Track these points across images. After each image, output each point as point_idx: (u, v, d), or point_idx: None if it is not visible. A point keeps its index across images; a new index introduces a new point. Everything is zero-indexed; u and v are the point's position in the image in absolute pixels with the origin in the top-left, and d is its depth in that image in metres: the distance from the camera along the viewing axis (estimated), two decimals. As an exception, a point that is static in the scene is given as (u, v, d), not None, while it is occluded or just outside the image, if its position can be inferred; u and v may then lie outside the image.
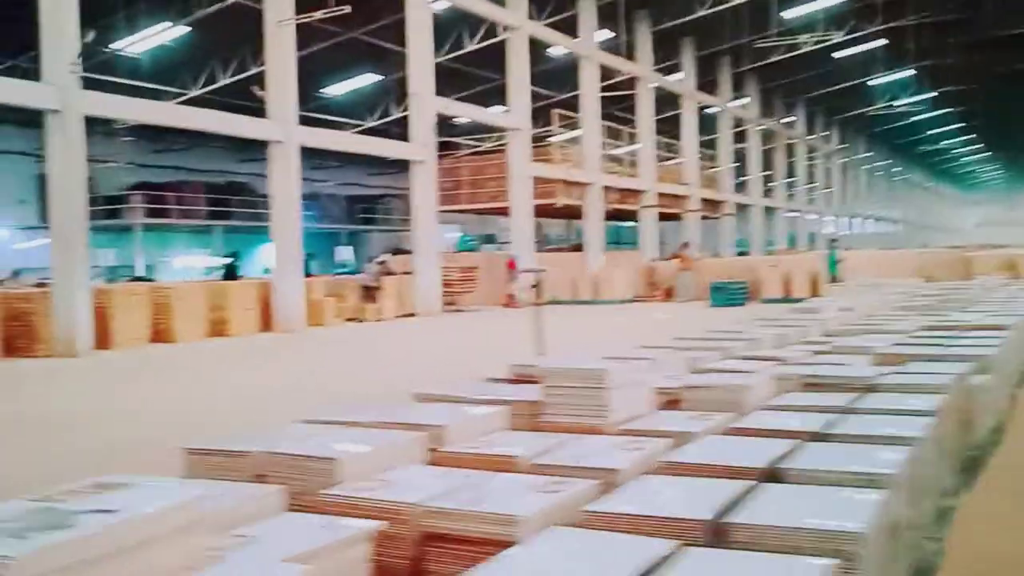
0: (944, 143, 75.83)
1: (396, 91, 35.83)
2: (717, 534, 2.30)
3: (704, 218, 38.24)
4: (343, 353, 14.84)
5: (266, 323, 18.68)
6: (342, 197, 42.32)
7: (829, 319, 8.00)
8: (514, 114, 25.52)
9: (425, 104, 21.89)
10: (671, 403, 4.23)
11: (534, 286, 6.82)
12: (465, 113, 24.33)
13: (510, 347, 14.13)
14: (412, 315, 21.99)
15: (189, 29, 27.60)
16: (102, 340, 15.14)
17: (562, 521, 2.53)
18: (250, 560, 2.13)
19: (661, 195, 33.51)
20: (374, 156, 33.45)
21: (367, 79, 34.28)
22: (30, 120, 31.16)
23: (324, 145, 20.30)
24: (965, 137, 73.88)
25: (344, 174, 42.40)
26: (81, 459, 6.21)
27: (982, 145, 78.43)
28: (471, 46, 30.14)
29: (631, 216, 35.33)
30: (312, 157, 40.60)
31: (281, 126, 18.14)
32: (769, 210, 48.35)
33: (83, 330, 14.54)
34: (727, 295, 22.56)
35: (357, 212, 42.79)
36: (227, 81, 30.20)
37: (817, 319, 7.91)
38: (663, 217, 35.51)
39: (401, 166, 44.62)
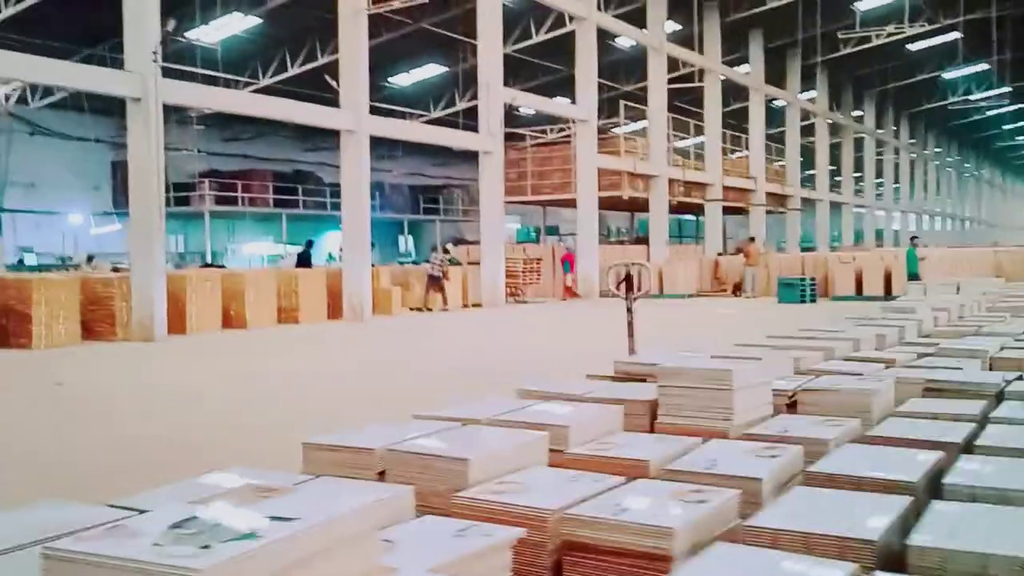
0: (1018, 139, 73.65)
1: (461, 82, 35.93)
2: (893, 557, 2.17)
3: (769, 212, 37.60)
4: (421, 343, 14.84)
5: (334, 311, 18.82)
6: (405, 187, 42.49)
7: (924, 319, 7.71)
8: (581, 105, 25.32)
9: (494, 94, 21.80)
10: (787, 406, 4.07)
11: (622, 281, 6.64)
12: (534, 104, 24.20)
13: (587, 340, 14.04)
14: (477, 306, 22.00)
15: (260, 21, 27.98)
16: (176, 325, 15.36)
17: (714, 534, 2.42)
18: (399, 568, 2.05)
19: (726, 188, 33.04)
20: (436, 146, 33.63)
21: (432, 70, 34.37)
22: (106, 108, 32.00)
23: (394, 135, 20.37)
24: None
25: (407, 164, 42.59)
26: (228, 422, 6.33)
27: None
28: (537, 37, 30.02)
29: (695, 209, 34.95)
30: (376, 147, 40.90)
31: (353, 115, 18.21)
32: (835, 205, 47.38)
33: (159, 315, 14.75)
34: (796, 291, 22.12)
35: (419, 202, 42.94)
36: (296, 71, 30.52)
37: (911, 319, 7.63)
38: (728, 211, 35.04)
39: (463, 157, 44.98)
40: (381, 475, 3.04)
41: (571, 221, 39.79)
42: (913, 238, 22.69)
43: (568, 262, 26.01)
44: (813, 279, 22.69)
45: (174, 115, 25.05)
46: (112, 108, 32.34)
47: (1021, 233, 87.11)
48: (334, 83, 18.92)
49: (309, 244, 24.05)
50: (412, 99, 35.87)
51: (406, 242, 42.22)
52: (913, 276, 19.50)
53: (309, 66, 30.33)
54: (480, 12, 22.15)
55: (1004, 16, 38.05)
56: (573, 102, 26.71)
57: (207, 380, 10.43)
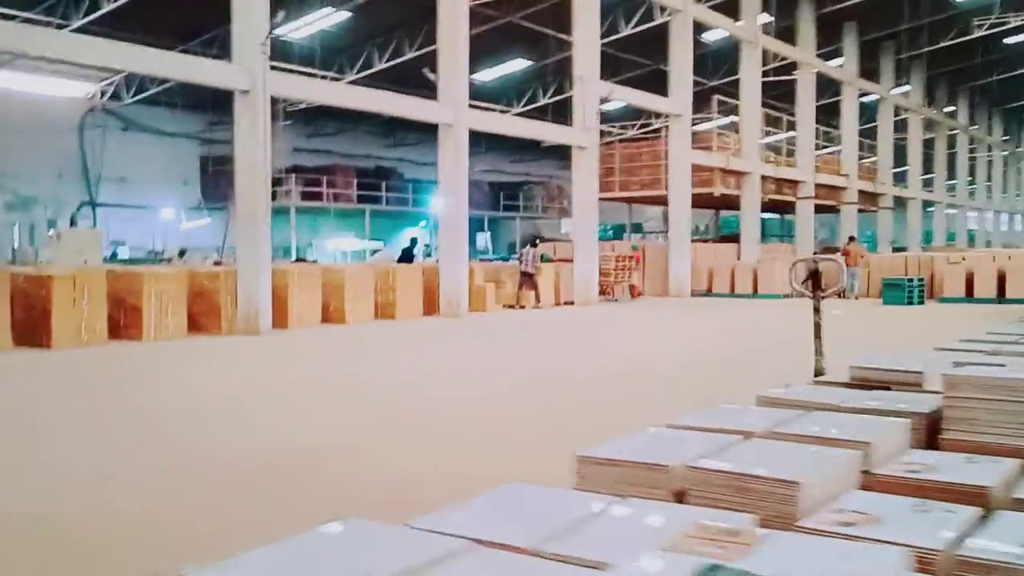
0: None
1: (545, 77, 35.56)
2: None
3: (860, 211, 36.45)
4: (542, 341, 14.51)
5: (429, 307, 18.60)
6: (484, 183, 42.25)
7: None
8: (675, 99, 24.73)
9: (590, 88, 21.38)
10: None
11: (807, 279, 6.18)
12: (630, 98, 23.68)
13: (722, 339, 13.56)
14: (569, 304, 21.60)
15: (350, 15, 27.93)
16: (278, 320, 15.26)
17: None
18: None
19: (817, 186, 32.08)
20: (515, 143, 33.28)
21: (517, 64, 33.98)
22: (195, 104, 32.39)
23: (492, 129, 20.08)
24: None
25: (486, 160, 42.38)
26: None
27: None
28: (624, 31, 29.44)
29: (784, 207, 34.02)
30: (456, 143, 40.91)
31: (451, 109, 17.96)
32: (926, 204, 45.85)
33: (265, 309, 14.67)
34: (902, 292, 21.25)
35: (499, 198, 42.71)
36: (382, 66, 30.43)
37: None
38: (817, 209, 34.02)
39: (542, 153, 44.59)
40: (679, 496, 2.66)
41: (653, 219, 39.21)
42: None
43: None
44: (921, 280, 21.77)
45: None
46: (201, 104, 32.82)
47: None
48: (431, 76, 18.69)
49: (413, 242, 23.94)
50: (495, 94, 35.56)
51: (486, 240, 41.99)
52: None
53: (395, 61, 30.24)
54: (576, 4, 21.74)
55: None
56: (663, 97, 26.08)
57: (342, 373, 10.22)
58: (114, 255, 28.85)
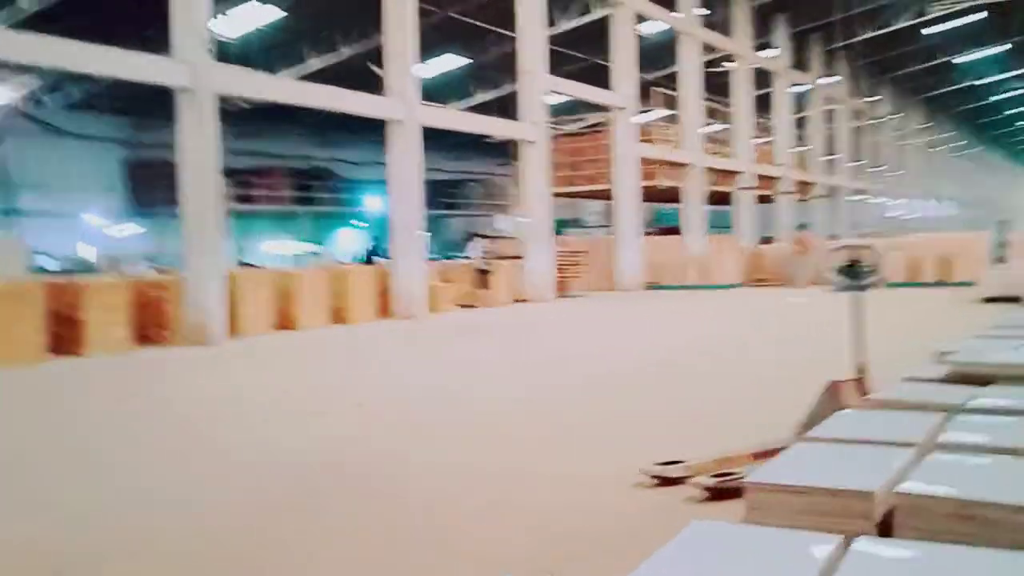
0: (1024, 122, 73.29)
1: (480, 73, 35.13)
2: None
3: (797, 200, 36.92)
4: (530, 342, 14.08)
5: (384, 310, 18.04)
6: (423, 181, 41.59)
7: None
8: (619, 93, 24.54)
9: (536, 82, 21.03)
10: None
11: (847, 267, 5.93)
12: (575, 92, 23.39)
13: (726, 336, 13.30)
14: (523, 301, 21.23)
15: (284, 13, 27.10)
16: (229, 328, 14.53)
17: None
18: None
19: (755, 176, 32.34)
20: (451, 140, 32.73)
21: (453, 61, 33.44)
22: (121, 107, 31.08)
23: (444, 125, 19.54)
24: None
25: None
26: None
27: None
28: (561, 27, 29.17)
29: (723, 198, 34.17)
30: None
31: (402, 105, 17.42)
32: (854, 192, 46.76)
33: (218, 318, 13.96)
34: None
35: (434, 196, 42.04)
36: (319, 65, 29.63)
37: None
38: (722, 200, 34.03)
39: (478, 150, 44.12)
40: (884, 529, 2.28)
41: (595, 213, 39.13)
42: (1003, 222, 22.00)
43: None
44: (872, 267, 21.94)
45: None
46: (126, 107, 31.50)
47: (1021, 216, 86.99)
48: (378, 71, 18.13)
49: (376, 242, 23.22)
50: (430, 92, 34.88)
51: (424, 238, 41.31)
52: (999, 259, 18.82)
53: (332, 60, 29.52)
54: (520, -2, 21.34)
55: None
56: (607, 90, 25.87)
57: (323, 385, 9.65)
58: (42, 267, 27.43)
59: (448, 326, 16.38)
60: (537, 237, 21.39)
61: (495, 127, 21.47)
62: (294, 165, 36.77)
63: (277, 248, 35.65)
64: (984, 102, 59.44)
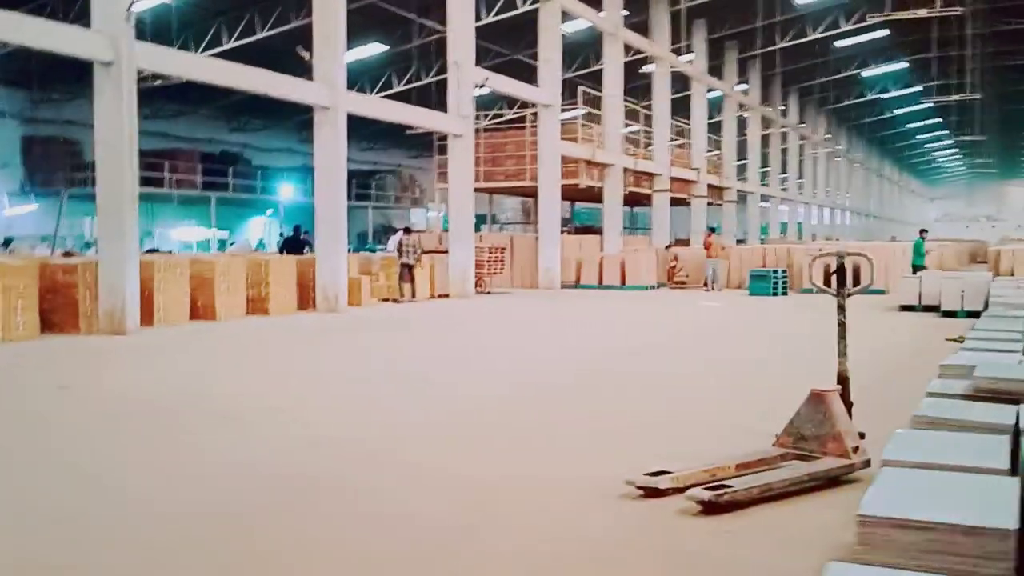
0: (918, 138, 76.46)
1: (400, 63, 34.57)
2: None
3: (708, 204, 37.52)
4: (471, 337, 13.72)
5: (304, 302, 17.49)
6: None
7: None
8: (545, 89, 24.40)
9: (465, 74, 20.69)
10: None
11: (833, 274, 5.88)
12: (503, 87, 23.11)
13: (611, 334, 13.20)
14: (445, 296, 20.91)
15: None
16: (143, 317, 13.79)
17: None
18: None
19: (671, 179, 32.69)
20: (365, 130, 32.12)
21: (373, 48, 32.79)
22: (16, 79, 29.41)
23: (370, 113, 19.00)
24: (939, 132, 74.45)
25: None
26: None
27: (952, 141, 79.24)
28: (488, 18, 28.92)
29: (638, 200, 34.47)
30: (303, 128, 39.14)
31: (329, 90, 16.87)
32: (762, 198, 47.88)
33: (132, 306, 13.24)
34: (768, 284, 21.83)
35: (350, 188, 41.30)
36: (231, 44, 28.60)
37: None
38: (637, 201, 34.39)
39: (393, 141, 43.52)
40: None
41: (511, 210, 39.00)
42: (922, 231, 22.67)
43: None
44: (785, 271, 22.44)
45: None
46: (22, 80, 29.85)
47: (914, 228, 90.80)
48: (305, 55, 17.55)
49: (297, 229, 22.45)
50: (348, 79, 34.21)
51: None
52: (919, 267, 19.39)
53: (246, 40, 28.53)
54: (450, -14, 20.97)
55: (927, 19, 38.84)
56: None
57: (264, 379, 9.16)
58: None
59: (373, 320, 15.94)
60: (461, 232, 21.09)
61: (422, 118, 21.06)
62: (203, 149, 35.51)
63: (185, 234, 34.39)
64: (883, 116, 61.76)
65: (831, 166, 62.81)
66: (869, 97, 54.42)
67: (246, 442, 6.28)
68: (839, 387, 5.42)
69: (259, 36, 28.70)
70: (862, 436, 5.20)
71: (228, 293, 15.92)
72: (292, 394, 8.33)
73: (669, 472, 4.84)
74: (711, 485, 4.58)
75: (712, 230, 27.02)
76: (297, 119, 38.57)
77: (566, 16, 26.03)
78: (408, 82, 35.20)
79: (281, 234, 31.18)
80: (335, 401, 8.01)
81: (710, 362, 10.49)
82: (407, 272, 19.54)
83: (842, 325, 5.79)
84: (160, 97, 32.61)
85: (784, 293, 21.93)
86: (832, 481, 4.93)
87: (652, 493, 4.75)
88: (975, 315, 15.21)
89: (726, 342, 12.88)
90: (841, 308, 5.83)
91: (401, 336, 13.69)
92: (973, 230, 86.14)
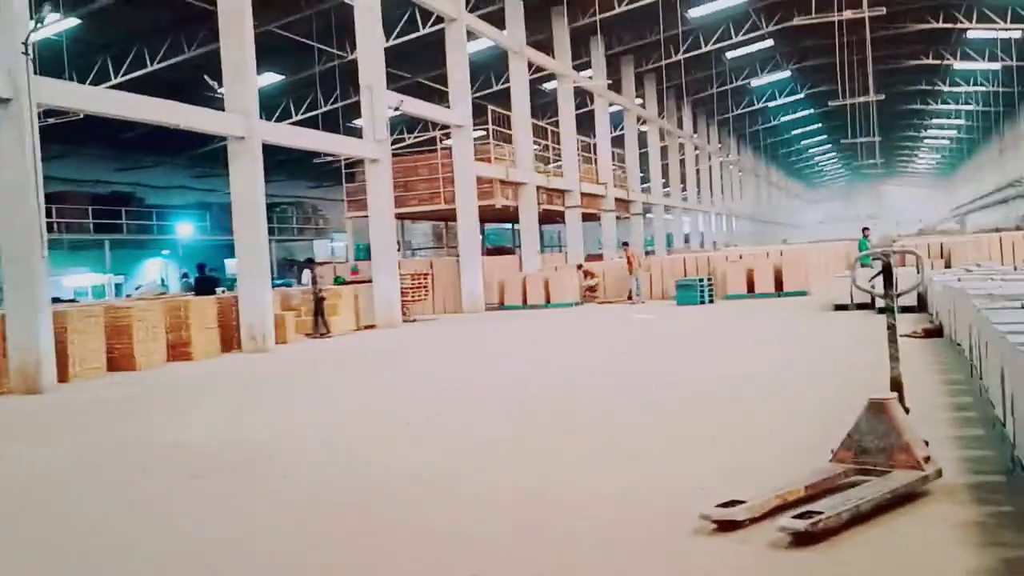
0: (802, 143, 79.26)
1: (296, 91, 33.68)
2: None
3: (616, 218, 37.72)
4: (390, 370, 13.02)
5: (227, 343, 16.53)
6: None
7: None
8: (456, 110, 23.99)
9: (379, 98, 20.09)
10: None
11: (878, 275, 5.59)
12: (417, 109, 22.57)
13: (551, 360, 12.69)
14: (372, 327, 20.16)
15: (79, 21, 24.78)
16: (57, 371, 12.71)
17: None
18: None
19: (581, 195, 32.67)
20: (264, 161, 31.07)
21: (268, 78, 31.80)
22: None
23: (286, 142, 18.19)
24: (821, 137, 77.36)
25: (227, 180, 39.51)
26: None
27: (830, 145, 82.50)
28: (390, 42, 28.37)
29: (551, 217, 34.36)
30: (202, 163, 37.68)
31: (243, 120, 16.06)
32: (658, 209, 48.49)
33: (47, 361, 12.18)
34: (695, 293, 21.85)
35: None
36: (120, 80, 27.27)
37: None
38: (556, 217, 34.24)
39: (290, 172, 42.32)
40: None
41: (425, 234, 38.38)
42: (864, 229, 23.08)
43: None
44: (710, 279, 22.51)
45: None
46: None
47: (799, 231, 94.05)
48: (214, 84, 16.71)
49: (203, 268, 21.29)
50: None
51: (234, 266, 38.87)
52: (864, 265, 19.53)
53: (136, 73, 27.30)
54: (358, 9, 20.39)
55: (808, 28, 40.18)
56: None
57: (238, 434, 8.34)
58: None
59: (308, 359, 15.13)
60: (384, 260, 20.41)
61: (338, 145, 20.35)
62: (92, 190, 33.73)
63: (78, 281, 32.54)
64: (770, 124, 63.75)
65: (725, 175, 64.34)
66: (757, 106, 56.03)
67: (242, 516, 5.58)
68: (895, 394, 5.10)
69: (151, 69, 27.47)
70: (926, 444, 4.90)
71: (148, 340, 14.90)
72: (264, 453, 7.60)
73: (741, 502, 4.41)
74: (799, 513, 4.17)
75: (625, 244, 26.94)
76: (189, 155, 37.13)
77: (471, 35, 25.72)
78: (307, 110, 34.32)
79: (185, 274, 29.84)
80: (325, 454, 7.33)
81: (704, 377, 10.06)
82: (321, 306, 18.71)
83: (892, 328, 5.47)
84: (43, 138, 30.85)
85: (711, 301, 21.98)
86: (907, 495, 4.60)
87: (727, 526, 4.32)
88: (910, 310, 15.54)
89: (700, 354, 12.47)
90: (891, 311, 5.47)
91: (351, 375, 12.97)
92: (853, 229, 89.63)
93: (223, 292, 20.07)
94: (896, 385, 5.26)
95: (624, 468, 5.86)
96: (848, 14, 30.16)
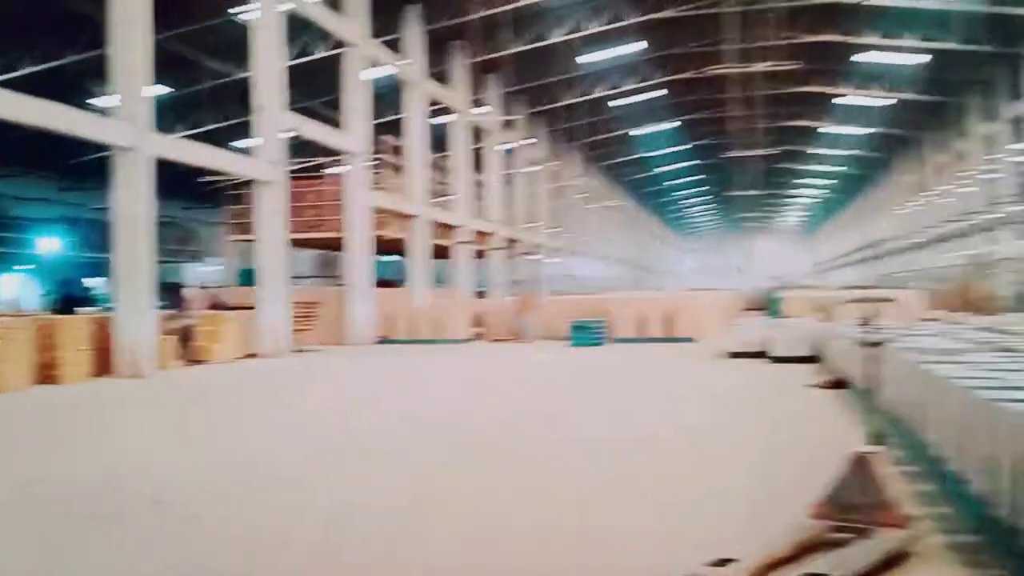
0: (682, 192, 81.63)
1: (182, 107, 32.28)
2: None
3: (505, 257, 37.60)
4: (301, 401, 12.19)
5: (102, 366, 15.32)
6: (99, 222, 37.23)
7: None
8: (352, 136, 23.37)
9: (274, 119, 19.34)
10: None
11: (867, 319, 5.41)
12: (313, 133, 21.82)
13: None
14: (254, 355, 19.17)
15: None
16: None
17: None
18: None
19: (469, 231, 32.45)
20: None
21: (155, 90, 30.28)
22: None
23: (177, 156, 17.05)
24: (699, 188, 79.91)
25: (96, 196, 37.33)
26: None
27: (709, 196, 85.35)
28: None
29: (439, 252, 33.94)
30: (64, 177, 35.54)
31: (131, 129, 15.06)
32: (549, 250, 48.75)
33: None
34: (589, 335, 21.78)
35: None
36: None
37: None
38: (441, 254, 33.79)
39: (164, 191, 40.41)
40: None
41: (306, 262, 37.25)
42: (774, 279, 23.42)
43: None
44: (604, 322, 22.47)
45: None
46: None
47: (673, 278, 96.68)
48: (102, 91, 15.65)
49: (66, 284, 19.73)
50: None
51: (97, 285, 36.55)
52: (775, 313, 19.82)
53: (8, 75, 25.49)
54: (256, 27, 19.64)
55: (699, 81, 41.51)
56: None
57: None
58: None
59: (179, 387, 14.13)
60: (271, 287, 19.51)
61: (229, 162, 19.39)
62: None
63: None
64: (651, 172, 65.36)
65: (608, 220, 65.42)
66: (642, 154, 57.36)
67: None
68: (880, 448, 4.88)
69: (19, 73, 25.72)
70: (903, 501, 4.69)
71: (11, 361, 13.63)
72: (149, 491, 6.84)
73: (732, 560, 4.08)
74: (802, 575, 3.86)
75: (518, 284, 26.68)
76: (57, 166, 34.99)
77: (371, 63, 25.21)
78: (194, 127, 32.91)
79: (49, 292, 27.89)
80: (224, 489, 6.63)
81: (653, 423, 9.70)
82: (188, 332, 17.65)
83: (871, 389, 5.25)
84: None
85: (601, 343, 21.94)
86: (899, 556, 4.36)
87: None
88: (805, 360, 15.78)
89: (629, 401, 11.81)
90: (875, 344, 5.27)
91: (240, 409, 12.13)
92: (725, 280, 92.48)
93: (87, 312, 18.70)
94: (878, 437, 5.06)
95: (595, 529, 5.45)
96: (760, 66, 31.11)
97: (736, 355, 17.17)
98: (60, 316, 16.72)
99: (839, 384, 11.97)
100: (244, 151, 25.32)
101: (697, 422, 9.56)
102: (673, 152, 60.08)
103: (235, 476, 7.08)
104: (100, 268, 37.13)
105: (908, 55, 34.82)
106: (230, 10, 24.22)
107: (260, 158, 19.18)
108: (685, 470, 6.92)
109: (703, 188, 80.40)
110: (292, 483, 6.80)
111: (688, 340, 22.14)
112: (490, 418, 10.15)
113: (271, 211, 19.47)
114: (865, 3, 30.10)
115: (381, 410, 11.16)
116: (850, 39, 33.99)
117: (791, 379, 13.07)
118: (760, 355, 16.84)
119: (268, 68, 19.47)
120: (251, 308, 20.09)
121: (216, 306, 19.19)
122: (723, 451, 7.68)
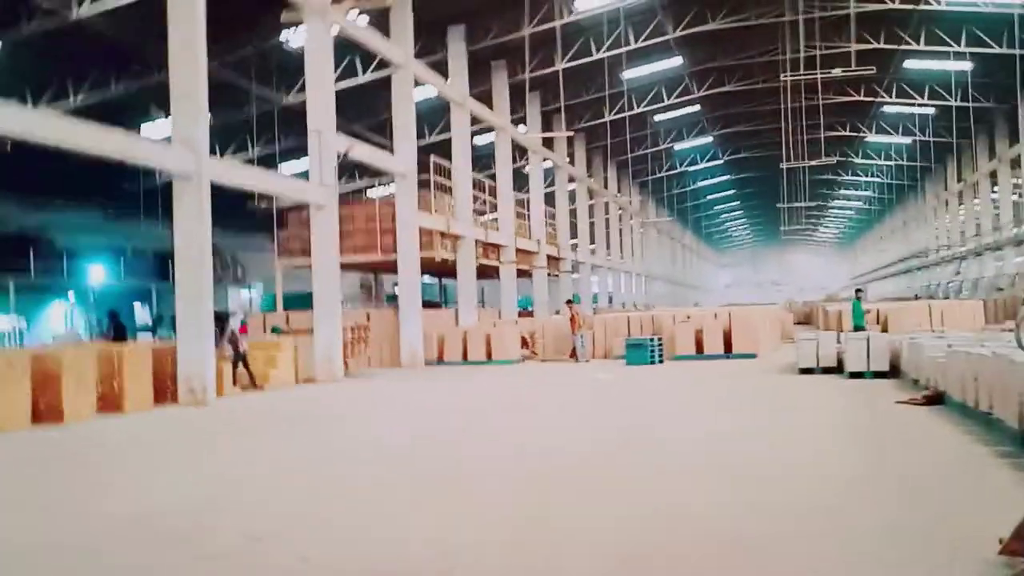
0: (715, 208, 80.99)
1: (228, 133, 32.40)
2: None
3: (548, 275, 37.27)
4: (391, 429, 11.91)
5: (161, 394, 15.16)
6: (146, 250, 37.48)
7: None
8: (400, 158, 23.20)
9: (327, 142, 19.19)
10: None
11: None
12: (363, 156, 21.65)
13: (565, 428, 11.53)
14: (311, 381, 18.95)
15: (-1, 45, 23.28)
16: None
17: None
18: None
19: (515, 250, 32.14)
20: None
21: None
22: None
23: (236, 181, 16.95)
24: (735, 203, 79.29)
25: (139, 224, 37.48)
26: None
27: (746, 210, 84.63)
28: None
29: (487, 272, 33.66)
30: (110, 206, 35.69)
31: (190, 154, 14.94)
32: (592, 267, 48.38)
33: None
34: (645, 352, 21.34)
35: (163, 267, 38.05)
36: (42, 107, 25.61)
37: None
38: (484, 274, 33.33)
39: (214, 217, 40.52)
40: None
41: (351, 286, 37.07)
42: (858, 291, 22.88)
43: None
44: (660, 339, 22.04)
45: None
46: None
47: (709, 294, 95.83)
48: (161, 113, 15.57)
49: (115, 315, 19.69)
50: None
51: (152, 311, 36.73)
52: (859, 327, 19.19)
53: (56, 104, 25.71)
54: (308, 51, 19.54)
55: (732, 92, 41.11)
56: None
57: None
58: None
59: (247, 414, 13.91)
60: (327, 310, 19.32)
61: (285, 186, 19.29)
62: (-2, 231, 31.58)
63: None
64: (688, 187, 64.87)
65: (645, 235, 64.98)
66: (679, 170, 56.95)
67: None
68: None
69: (75, 104, 25.90)
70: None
71: (76, 391, 13.48)
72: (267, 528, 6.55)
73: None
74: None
75: (569, 302, 26.14)
76: (102, 195, 35.17)
77: (416, 83, 25.08)
78: (236, 152, 33.05)
79: (100, 321, 27.94)
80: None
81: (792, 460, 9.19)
82: (242, 358, 17.40)
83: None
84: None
85: (661, 361, 21.50)
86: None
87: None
88: (882, 375, 15.25)
89: (739, 425, 10.83)
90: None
91: (312, 437, 11.86)
92: (760, 294, 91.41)
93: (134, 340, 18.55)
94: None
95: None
96: (788, 78, 30.66)
97: (805, 371, 16.68)
98: (120, 344, 16.57)
99: (933, 400, 11.49)
100: (295, 175, 25.32)
101: (827, 448, 9.04)
102: (708, 167, 59.66)
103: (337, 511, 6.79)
104: (145, 296, 37.36)
105: (955, 62, 34.23)
106: (283, 35, 24.29)
107: (314, 181, 19.01)
108: (851, 506, 6.40)
109: (740, 202, 79.79)
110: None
111: (751, 356, 21.60)
112: (649, 451, 9.57)
113: (325, 234, 19.29)
114: (920, 7, 29.56)
115: (504, 443, 10.28)
116: (896, 46, 33.46)
117: (880, 399, 12.54)
118: (833, 370, 16.37)
119: (321, 93, 19.33)
120: (307, 332, 19.89)
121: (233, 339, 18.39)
122: (880, 485, 7.26)
